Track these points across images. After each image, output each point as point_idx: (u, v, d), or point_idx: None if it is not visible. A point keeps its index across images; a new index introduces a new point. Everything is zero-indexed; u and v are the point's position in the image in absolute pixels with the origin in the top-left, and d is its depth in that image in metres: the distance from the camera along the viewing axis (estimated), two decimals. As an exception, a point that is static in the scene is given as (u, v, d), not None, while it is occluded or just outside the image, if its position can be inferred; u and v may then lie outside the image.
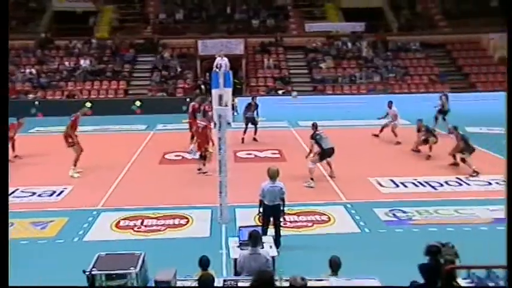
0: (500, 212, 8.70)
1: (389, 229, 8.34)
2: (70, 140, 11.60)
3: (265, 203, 7.28)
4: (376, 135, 15.15)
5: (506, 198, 3.60)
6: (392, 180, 10.89)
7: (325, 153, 10.96)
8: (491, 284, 4.90)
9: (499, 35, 23.11)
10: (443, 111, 16.23)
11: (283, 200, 7.37)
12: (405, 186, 10.61)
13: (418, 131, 13.27)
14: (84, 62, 23.16)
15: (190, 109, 13.96)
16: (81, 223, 8.64)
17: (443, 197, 9.84)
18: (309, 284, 4.63)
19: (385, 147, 14.28)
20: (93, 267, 4.93)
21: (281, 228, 7.51)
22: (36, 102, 21.15)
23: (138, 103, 21.18)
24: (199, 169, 11.66)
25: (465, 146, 11.36)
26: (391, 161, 12.72)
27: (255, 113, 14.80)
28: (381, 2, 27.25)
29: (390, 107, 15.03)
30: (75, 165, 11.54)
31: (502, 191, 10.01)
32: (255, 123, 14.84)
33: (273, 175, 7.29)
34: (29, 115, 18.36)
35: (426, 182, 10.74)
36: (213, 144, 11.21)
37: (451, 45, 25.09)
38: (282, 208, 7.39)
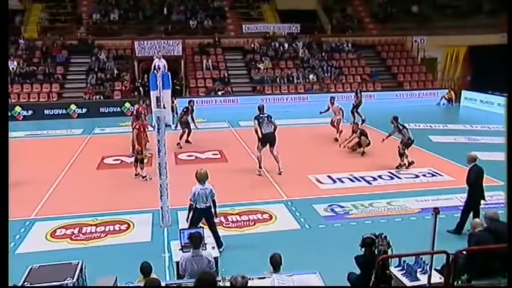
0: (427, 203, 9.39)
1: (329, 224, 8.66)
2: None
3: (197, 206, 7.28)
4: (336, 139, 14.94)
5: (506, 199, 3.89)
6: (330, 177, 11.30)
7: (264, 138, 11.31)
8: (419, 270, 5.29)
9: (420, 37, 25.26)
10: (357, 106, 17.25)
11: (214, 201, 7.42)
12: (342, 181, 11.06)
13: (353, 132, 13.78)
14: (11, 64, 21.82)
15: (134, 112, 13.69)
16: (12, 235, 8.15)
17: (376, 190, 10.39)
18: (251, 282, 4.73)
19: (324, 145, 14.75)
20: (25, 280, 4.71)
21: (217, 228, 7.57)
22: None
23: (73, 106, 20.36)
24: (136, 174, 11.43)
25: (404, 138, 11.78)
26: (329, 158, 13.19)
27: (190, 117, 14.64)
28: (315, 5, 28.04)
29: (332, 103, 15.37)
30: None
31: (428, 182, 10.85)
32: (189, 127, 14.69)
33: (202, 178, 7.31)
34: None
35: (361, 177, 11.26)
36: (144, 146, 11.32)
37: (380, 46, 26.43)
38: (213, 210, 7.44)
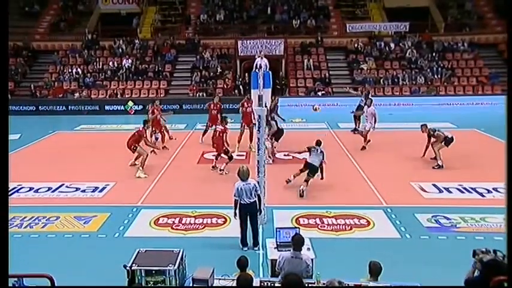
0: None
1: (432, 236, 8.06)
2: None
3: (241, 202, 7.38)
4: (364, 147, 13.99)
5: (506, 199, 3.38)
6: (435, 185, 10.52)
7: (278, 133, 12.79)
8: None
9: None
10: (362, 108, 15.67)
11: (259, 196, 7.46)
12: (449, 191, 10.22)
13: (429, 136, 12.39)
14: (126, 62, 23.79)
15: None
16: (121, 219, 8.85)
17: (491, 204, 9.37)
18: (348, 288, 4.52)
19: (431, 151, 13.77)
20: (133, 262, 5.03)
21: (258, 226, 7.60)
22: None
23: (130, 103, 21.47)
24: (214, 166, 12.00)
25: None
26: (435, 164, 12.25)
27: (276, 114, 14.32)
28: (427, 1, 26.44)
29: (369, 106, 14.11)
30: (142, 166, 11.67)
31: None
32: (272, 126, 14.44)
33: (243, 175, 7.44)
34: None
35: (472, 188, 10.30)
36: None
37: (504, 45, 23.73)
38: (258, 206, 7.46)
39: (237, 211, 7.47)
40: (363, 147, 13.88)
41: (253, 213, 7.50)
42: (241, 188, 7.39)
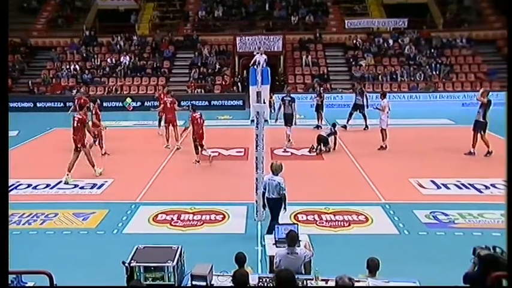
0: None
1: (430, 232, 8.07)
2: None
3: (266, 195, 7.55)
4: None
5: (506, 199, 3.39)
6: (433, 182, 10.53)
7: (284, 117, 13.75)
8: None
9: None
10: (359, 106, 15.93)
11: (284, 196, 7.45)
12: (447, 188, 10.23)
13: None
14: (124, 59, 23.72)
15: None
16: (120, 215, 8.85)
17: (489, 200, 9.37)
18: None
19: (428, 147, 13.78)
20: (132, 259, 5.03)
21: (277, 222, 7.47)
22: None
23: (129, 100, 21.41)
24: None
25: None
26: (434, 162, 12.24)
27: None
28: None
29: (383, 98, 13.93)
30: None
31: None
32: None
33: (275, 169, 7.53)
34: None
35: (470, 184, 10.32)
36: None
37: (503, 41, 23.74)
38: (283, 204, 7.48)
39: (265, 201, 7.65)
40: (383, 147, 13.48)
41: (275, 208, 7.55)
42: (266, 182, 7.58)
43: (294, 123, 13.93)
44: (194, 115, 12.01)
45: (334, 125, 13.75)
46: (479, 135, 12.40)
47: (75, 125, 11.05)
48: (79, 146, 11.01)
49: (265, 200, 7.63)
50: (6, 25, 3.27)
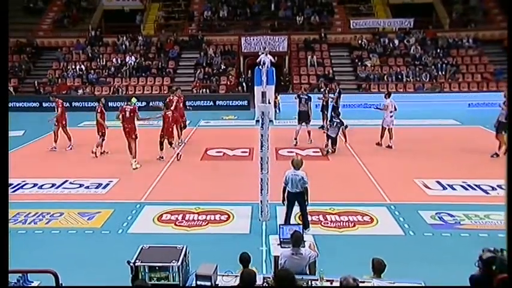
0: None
1: (436, 233, 8.02)
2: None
3: (289, 190, 7.67)
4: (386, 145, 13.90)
5: (506, 198, 3.36)
6: (439, 182, 10.48)
7: (298, 115, 13.94)
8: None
9: None
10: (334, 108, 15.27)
11: (306, 189, 7.67)
12: (453, 189, 10.18)
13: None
14: (129, 59, 23.79)
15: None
16: (125, 215, 8.87)
17: (495, 201, 9.27)
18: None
19: (434, 147, 13.73)
20: (137, 258, 5.04)
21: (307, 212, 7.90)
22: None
23: (134, 100, 21.32)
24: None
25: None
26: (440, 163, 12.17)
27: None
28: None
29: (387, 98, 13.96)
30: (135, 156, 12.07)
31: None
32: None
33: (296, 164, 7.71)
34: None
35: (477, 185, 10.25)
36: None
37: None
38: (305, 196, 7.71)
39: (285, 196, 7.76)
40: (390, 146, 13.65)
41: (300, 202, 7.76)
42: (289, 177, 7.67)
43: (309, 121, 14.17)
44: (167, 113, 12.50)
45: (342, 123, 13.23)
46: (499, 135, 12.20)
47: (128, 115, 12.02)
48: (133, 136, 11.98)
49: (285, 195, 7.75)
50: (7, 25, 3.27)
